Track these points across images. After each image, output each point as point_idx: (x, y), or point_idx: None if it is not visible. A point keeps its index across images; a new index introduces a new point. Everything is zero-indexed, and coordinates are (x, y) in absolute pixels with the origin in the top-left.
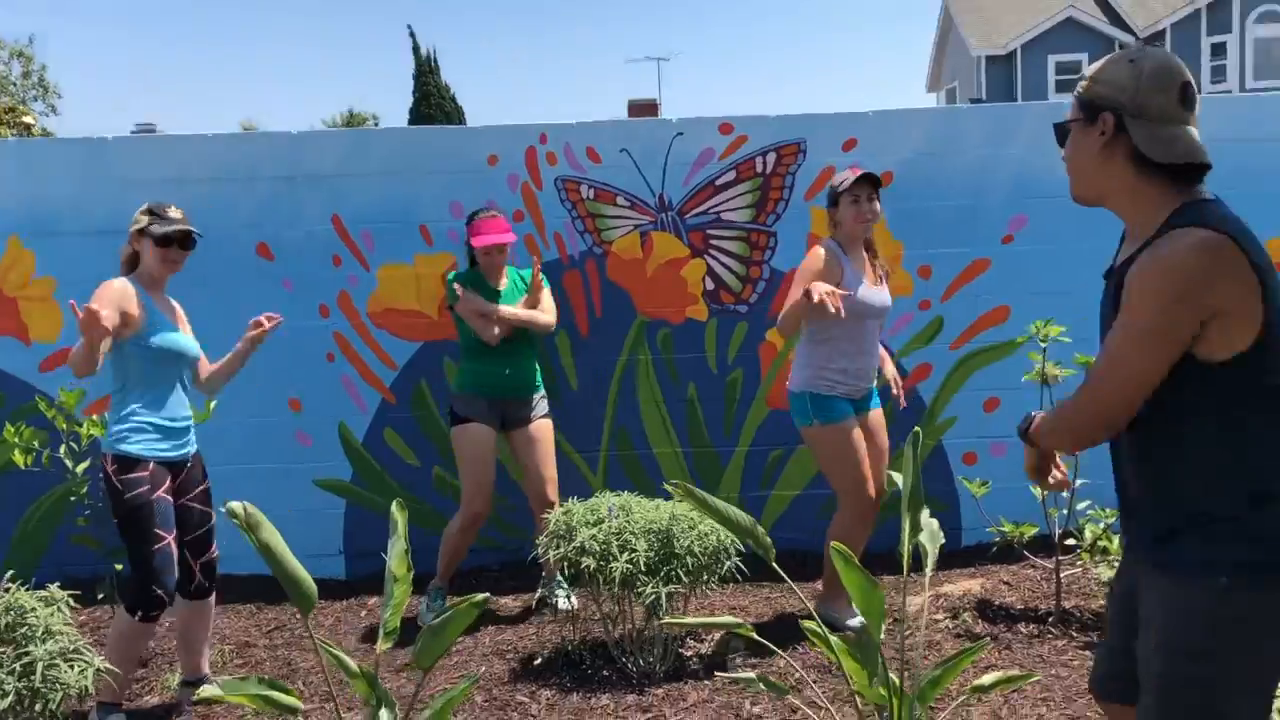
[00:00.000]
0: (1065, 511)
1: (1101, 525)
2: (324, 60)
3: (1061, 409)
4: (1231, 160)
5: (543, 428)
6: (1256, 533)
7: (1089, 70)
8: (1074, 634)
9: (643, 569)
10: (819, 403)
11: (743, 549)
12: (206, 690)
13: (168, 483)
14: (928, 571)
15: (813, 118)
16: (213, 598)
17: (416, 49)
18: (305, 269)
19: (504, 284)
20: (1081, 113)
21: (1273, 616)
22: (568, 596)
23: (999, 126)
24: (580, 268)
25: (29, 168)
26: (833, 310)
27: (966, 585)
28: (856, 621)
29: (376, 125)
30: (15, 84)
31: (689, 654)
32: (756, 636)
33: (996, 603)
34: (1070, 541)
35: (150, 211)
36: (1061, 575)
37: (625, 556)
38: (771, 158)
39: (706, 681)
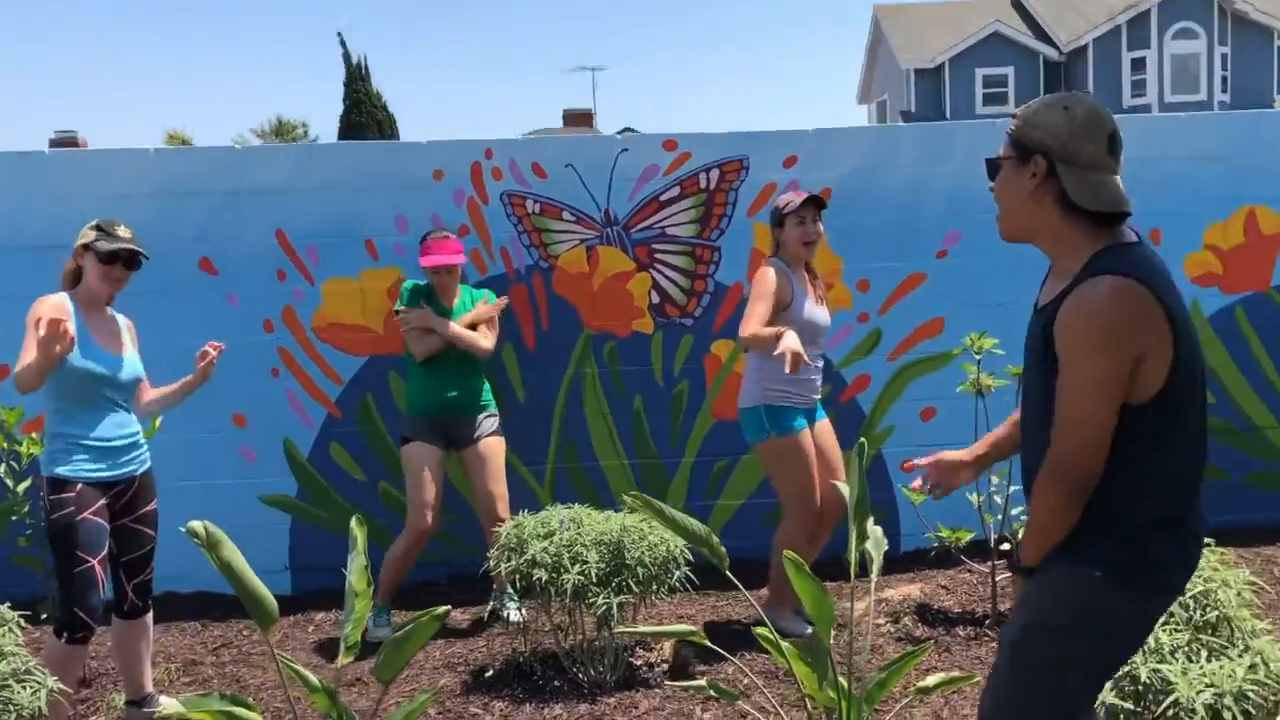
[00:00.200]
0: (1000, 517)
1: None
2: (250, 67)
3: (1041, 497)
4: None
5: (491, 446)
6: (1144, 546)
7: (1022, 111)
8: None
9: (594, 580)
10: (774, 414)
11: (692, 559)
12: (168, 707)
13: (100, 504)
14: (874, 578)
15: (755, 135)
16: (149, 616)
17: (347, 56)
18: (249, 284)
19: (455, 303)
20: (1014, 152)
21: (1129, 619)
22: (519, 609)
23: (933, 145)
24: (527, 282)
25: None
26: (787, 370)
27: (906, 590)
28: (801, 629)
29: (306, 133)
30: None
31: (639, 663)
32: (708, 643)
33: (935, 606)
34: (1005, 546)
35: (98, 228)
36: (997, 579)
37: (577, 568)
38: (715, 174)
39: (657, 690)
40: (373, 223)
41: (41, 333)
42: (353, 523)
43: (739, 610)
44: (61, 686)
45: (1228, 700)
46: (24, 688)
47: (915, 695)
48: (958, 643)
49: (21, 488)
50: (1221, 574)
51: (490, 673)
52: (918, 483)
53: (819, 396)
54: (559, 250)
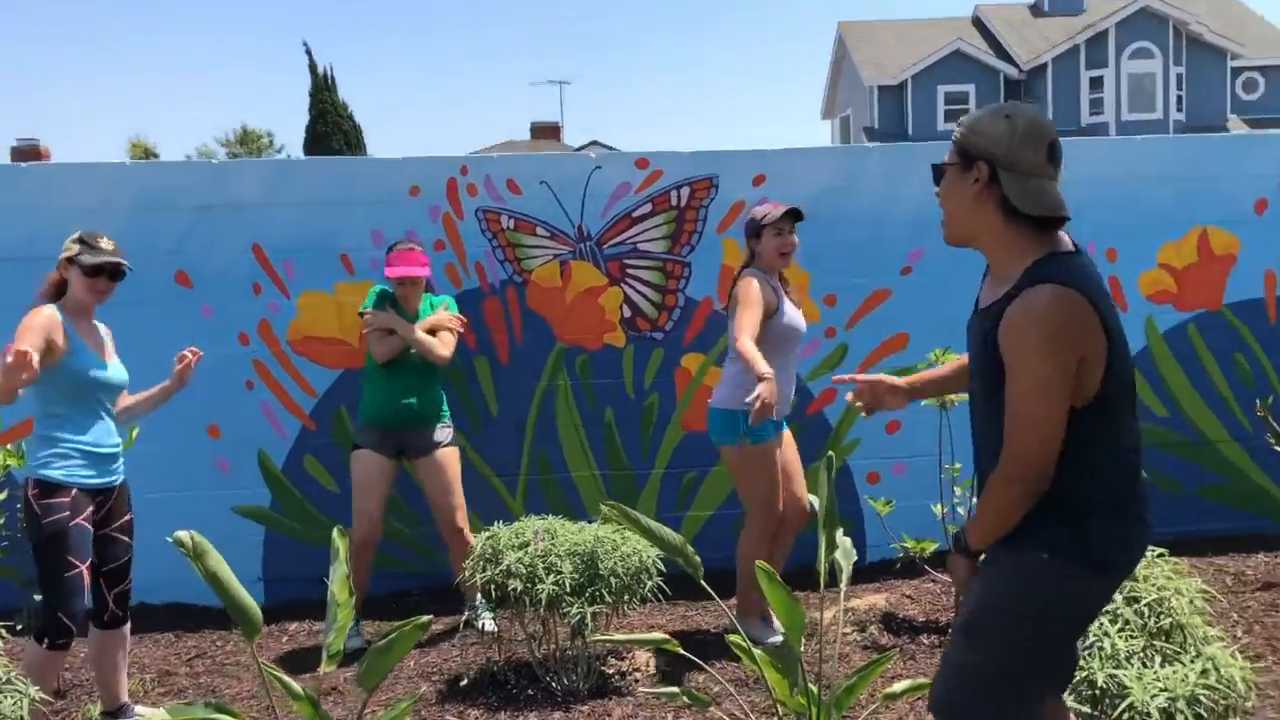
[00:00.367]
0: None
1: None
2: (215, 76)
3: (999, 490)
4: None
5: (446, 456)
6: (1085, 528)
7: (966, 119)
8: None
9: (568, 590)
10: (745, 421)
11: (664, 569)
12: (151, 717)
13: (89, 510)
14: (843, 586)
15: (725, 154)
16: (127, 627)
17: (313, 66)
18: (225, 297)
19: (416, 312)
20: (958, 158)
21: (1075, 599)
22: (493, 618)
23: (898, 165)
24: (501, 296)
25: None
26: (752, 422)
27: (872, 599)
28: (772, 638)
29: (271, 143)
30: None
31: (611, 672)
32: (682, 651)
33: (900, 615)
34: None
35: (81, 240)
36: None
37: (551, 578)
38: (686, 191)
39: (630, 698)
40: (349, 237)
41: (9, 360)
42: (335, 533)
43: (708, 620)
44: (43, 696)
45: (1181, 704)
46: (5, 697)
47: (883, 701)
48: (922, 651)
49: None
50: (1175, 583)
51: (465, 681)
52: (851, 395)
53: (789, 411)
54: (533, 265)
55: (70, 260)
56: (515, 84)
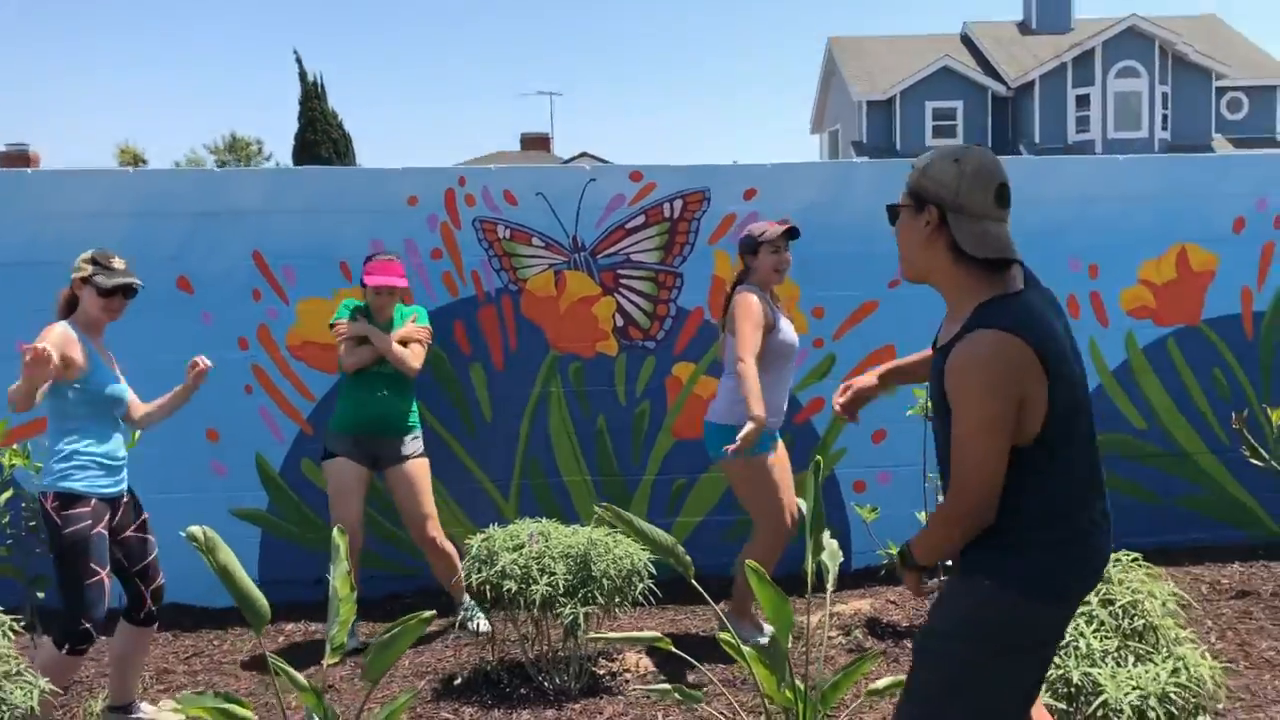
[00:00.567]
0: None
1: None
2: (204, 83)
3: (944, 522)
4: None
5: (417, 466)
6: (1029, 557)
7: (919, 162)
8: None
9: (562, 591)
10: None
11: (655, 572)
12: (165, 704)
13: (107, 518)
14: (829, 587)
15: (717, 168)
16: (154, 627)
17: (303, 74)
18: (225, 302)
19: (388, 321)
20: (911, 200)
21: (1021, 624)
22: (486, 618)
23: (886, 180)
24: (496, 304)
25: None
26: (731, 455)
27: (857, 605)
28: (758, 640)
29: (260, 150)
30: None
31: (602, 672)
32: (674, 649)
33: (884, 620)
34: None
35: (94, 261)
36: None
37: (545, 580)
38: (678, 204)
39: (621, 696)
40: (348, 245)
41: (27, 358)
42: (335, 532)
43: (697, 624)
44: (54, 688)
45: (1152, 701)
46: (15, 688)
47: (867, 699)
48: (906, 654)
49: (2, 499)
50: (1148, 586)
51: (459, 680)
52: (837, 408)
53: (781, 422)
54: (528, 274)
55: (85, 280)
56: (505, 95)
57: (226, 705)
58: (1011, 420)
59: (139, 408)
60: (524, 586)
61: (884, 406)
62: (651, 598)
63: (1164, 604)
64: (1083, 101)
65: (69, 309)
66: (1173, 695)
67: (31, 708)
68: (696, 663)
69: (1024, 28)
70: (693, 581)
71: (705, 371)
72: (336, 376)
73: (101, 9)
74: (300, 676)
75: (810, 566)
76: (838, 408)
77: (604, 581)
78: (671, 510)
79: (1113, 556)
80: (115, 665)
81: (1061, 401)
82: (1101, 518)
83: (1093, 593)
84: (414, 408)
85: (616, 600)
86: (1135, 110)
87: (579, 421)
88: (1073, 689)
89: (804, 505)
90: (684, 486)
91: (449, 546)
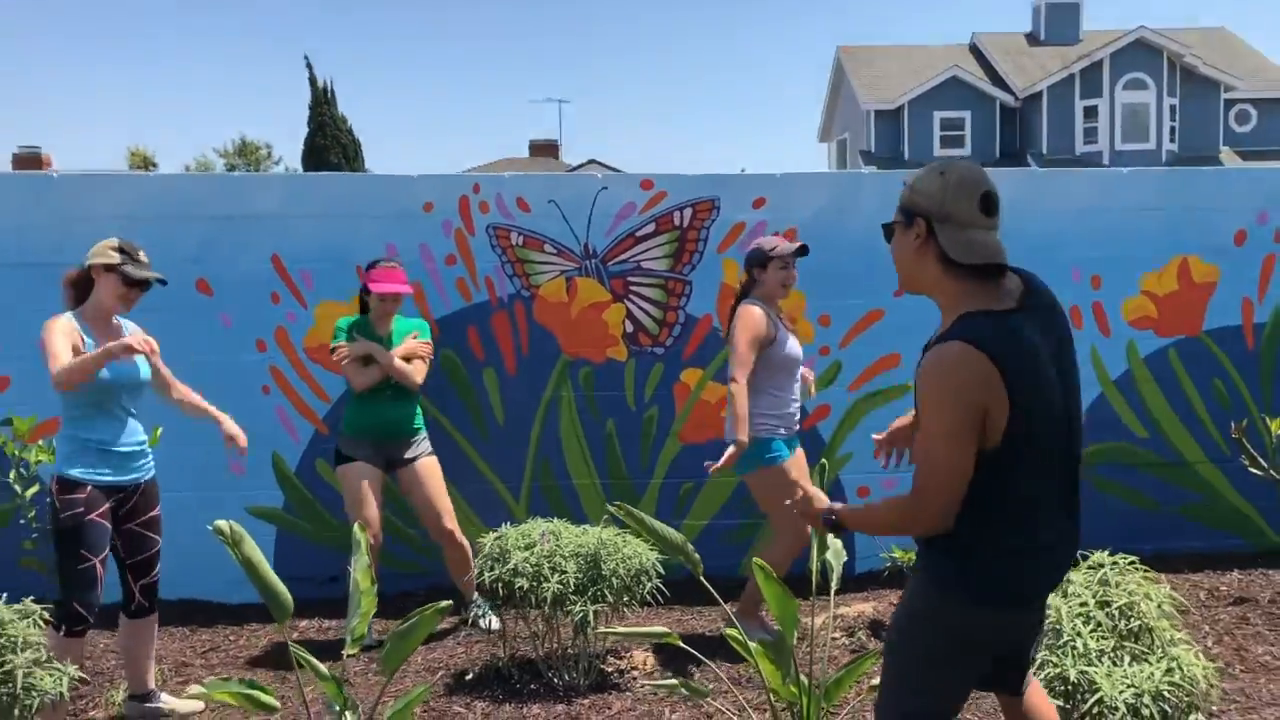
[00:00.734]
0: None
1: None
2: (215, 87)
3: (899, 519)
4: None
5: (429, 465)
6: (969, 567)
7: (910, 178)
8: None
9: (572, 589)
10: (761, 446)
11: (662, 571)
12: (193, 689)
13: (105, 507)
14: (834, 585)
15: (726, 178)
16: (154, 617)
17: (313, 79)
18: (244, 305)
19: (389, 333)
20: (902, 216)
21: (961, 624)
22: (498, 616)
23: (893, 190)
24: (509, 309)
25: None
26: (710, 474)
27: (860, 608)
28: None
29: (270, 154)
30: None
31: (610, 670)
32: (682, 644)
33: (887, 623)
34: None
35: (122, 250)
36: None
37: (556, 578)
38: (688, 213)
39: (629, 693)
40: (364, 250)
41: (123, 343)
42: (355, 528)
43: (702, 624)
44: (80, 675)
45: (1146, 699)
46: (46, 674)
47: (868, 695)
48: None
49: (30, 493)
50: (1144, 589)
51: (470, 676)
52: (877, 450)
53: (798, 428)
54: (540, 280)
55: (110, 268)
56: (514, 102)
57: (251, 691)
58: (973, 430)
59: (179, 389)
60: (536, 584)
61: (889, 413)
62: (659, 597)
63: (1160, 606)
64: (1090, 113)
65: (81, 294)
66: (1166, 694)
67: (61, 693)
68: (704, 658)
69: (1032, 39)
70: (701, 579)
71: (713, 378)
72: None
73: (113, 13)
74: (321, 666)
75: (815, 565)
76: (878, 449)
77: (613, 580)
78: (679, 513)
79: (1109, 560)
80: (123, 655)
81: (1024, 418)
82: (1066, 535)
83: (1091, 595)
84: (419, 411)
85: (625, 599)
86: (1143, 122)
87: (589, 425)
88: (1070, 687)
89: None
90: (691, 490)
91: (465, 541)
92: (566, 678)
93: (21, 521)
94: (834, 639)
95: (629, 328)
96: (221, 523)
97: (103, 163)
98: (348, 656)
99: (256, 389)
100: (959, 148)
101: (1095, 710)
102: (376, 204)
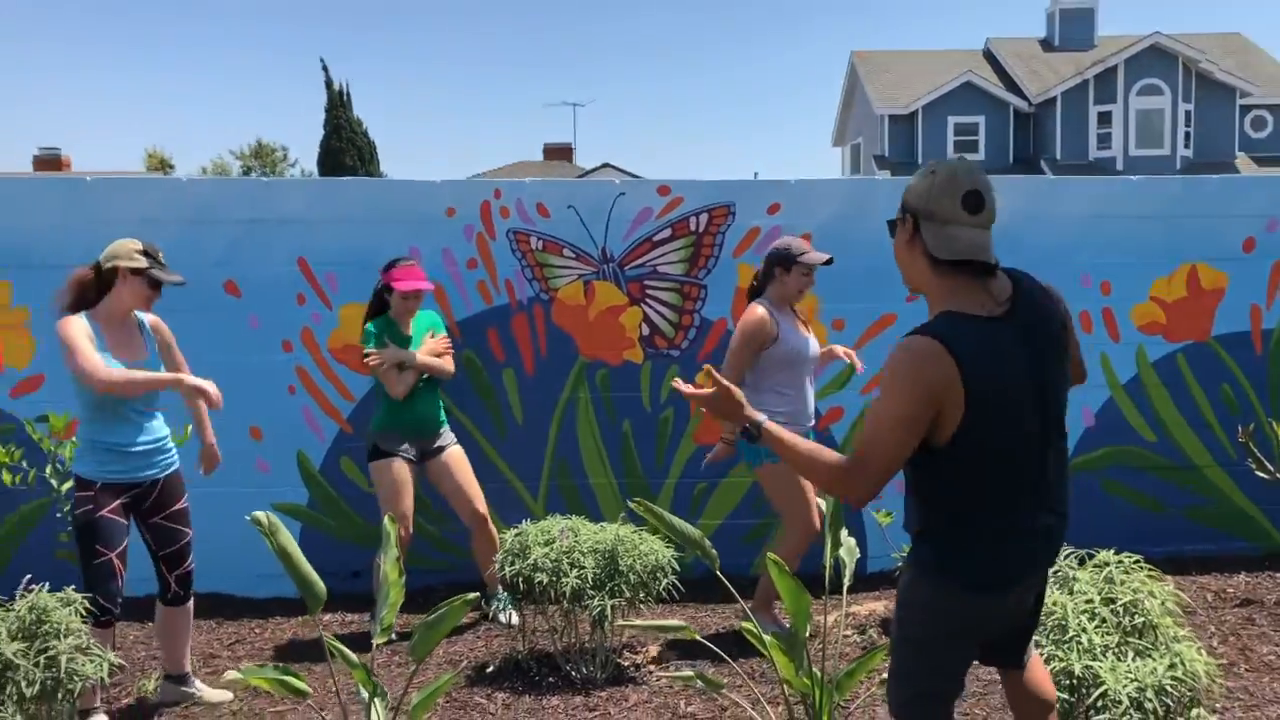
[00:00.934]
0: None
1: None
2: (231, 89)
3: (828, 470)
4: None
5: (457, 453)
6: (942, 554)
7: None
8: None
9: (590, 584)
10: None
11: (678, 568)
12: (229, 675)
13: (117, 503)
14: (846, 581)
15: (742, 184)
16: (189, 605)
17: (329, 82)
18: (271, 306)
19: (411, 329)
20: (900, 214)
21: (942, 608)
22: (517, 611)
23: None
24: (528, 312)
25: (8, 204)
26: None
27: (871, 606)
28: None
29: (286, 156)
30: None
31: (626, 664)
32: (699, 637)
33: None
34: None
35: (147, 254)
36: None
37: (575, 573)
38: (704, 218)
39: (645, 686)
40: (388, 253)
41: (195, 384)
42: (386, 520)
43: (716, 621)
44: (119, 661)
45: (1149, 693)
46: (88, 660)
47: (879, 688)
48: None
49: (65, 487)
50: (1148, 586)
51: (491, 668)
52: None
53: (813, 423)
54: (559, 284)
55: (136, 271)
56: (528, 105)
57: (284, 677)
58: (921, 420)
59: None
60: (555, 579)
61: None
62: (675, 592)
63: (1163, 604)
64: (1104, 119)
65: (87, 294)
66: (1169, 688)
67: (102, 679)
68: (720, 651)
69: (1047, 44)
70: (718, 572)
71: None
72: (373, 380)
73: (131, 16)
74: (351, 654)
75: (828, 561)
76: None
77: (630, 576)
78: (693, 513)
79: (1114, 558)
80: (160, 641)
81: (982, 420)
82: (1044, 527)
83: (1096, 592)
84: (442, 404)
85: (641, 595)
86: (1158, 128)
87: (605, 426)
88: (1074, 680)
89: (823, 505)
90: (705, 490)
91: (494, 529)
92: (584, 671)
93: (58, 515)
94: (846, 636)
95: (645, 330)
96: (259, 514)
97: (120, 164)
98: (377, 646)
99: (283, 389)
100: (972, 153)
101: (1099, 703)
102: (400, 208)
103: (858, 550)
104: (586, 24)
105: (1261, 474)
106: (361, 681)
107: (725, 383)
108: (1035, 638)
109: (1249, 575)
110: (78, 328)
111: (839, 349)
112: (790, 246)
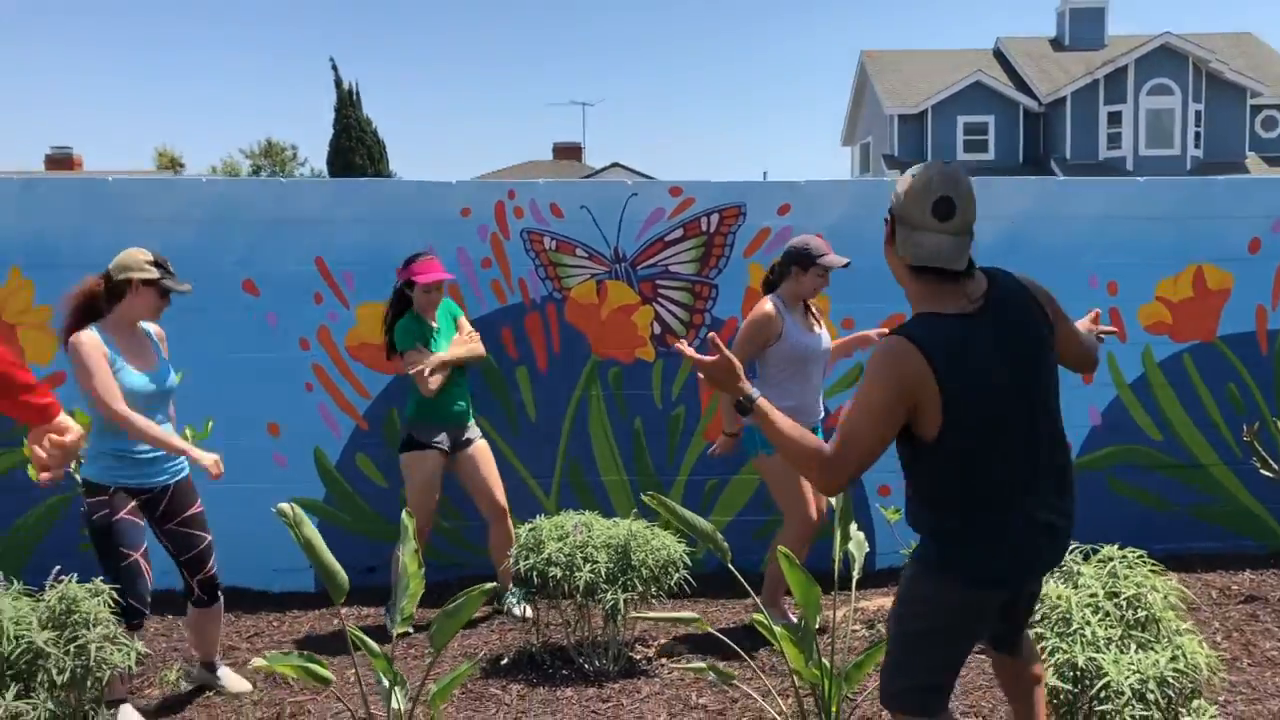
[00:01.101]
0: None
1: None
2: (241, 88)
3: (808, 455)
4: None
5: (483, 448)
6: (941, 549)
7: None
8: None
9: (604, 578)
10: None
11: (689, 563)
12: (255, 662)
13: (131, 505)
14: (855, 575)
15: (752, 185)
16: (218, 604)
17: (339, 82)
18: (288, 305)
19: (436, 320)
20: (885, 215)
21: (939, 601)
22: (532, 604)
23: None
24: (541, 311)
25: (32, 203)
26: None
27: (880, 601)
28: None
29: (295, 155)
30: None
31: (638, 657)
32: (710, 629)
33: None
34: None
35: (158, 264)
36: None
37: (588, 567)
38: (715, 218)
39: (656, 678)
40: (404, 253)
41: (200, 460)
42: (404, 514)
43: (726, 616)
44: (146, 650)
45: (1151, 685)
46: (117, 650)
47: None
48: None
49: None
50: (1151, 580)
51: (505, 661)
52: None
53: (821, 416)
54: (572, 283)
55: (148, 282)
56: (537, 104)
57: (308, 665)
58: (896, 416)
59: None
60: (568, 573)
61: None
62: (686, 587)
63: (1166, 597)
64: (1115, 118)
65: (88, 299)
66: (1171, 680)
67: (130, 667)
68: (732, 643)
69: (1057, 44)
70: (730, 565)
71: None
72: (391, 376)
73: (140, 16)
74: (373, 644)
75: (837, 555)
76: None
77: (642, 570)
78: (704, 509)
79: (1118, 553)
80: (191, 634)
81: (962, 414)
82: (1043, 522)
83: (1100, 586)
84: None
85: (654, 590)
86: (1168, 128)
87: (617, 423)
88: (1078, 672)
89: (833, 501)
90: (716, 487)
91: (511, 523)
92: (597, 664)
93: (81, 510)
94: (854, 630)
95: (657, 329)
96: (284, 505)
97: (131, 163)
98: (396, 636)
99: (300, 386)
100: (982, 152)
101: (1102, 694)
102: (416, 209)
103: (866, 545)
104: (595, 24)
105: (1266, 472)
106: (383, 670)
107: (727, 353)
108: (1039, 630)
109: (1254, 573)
110: (95, 349)
111: (873, 333)
112: (810, 247)
